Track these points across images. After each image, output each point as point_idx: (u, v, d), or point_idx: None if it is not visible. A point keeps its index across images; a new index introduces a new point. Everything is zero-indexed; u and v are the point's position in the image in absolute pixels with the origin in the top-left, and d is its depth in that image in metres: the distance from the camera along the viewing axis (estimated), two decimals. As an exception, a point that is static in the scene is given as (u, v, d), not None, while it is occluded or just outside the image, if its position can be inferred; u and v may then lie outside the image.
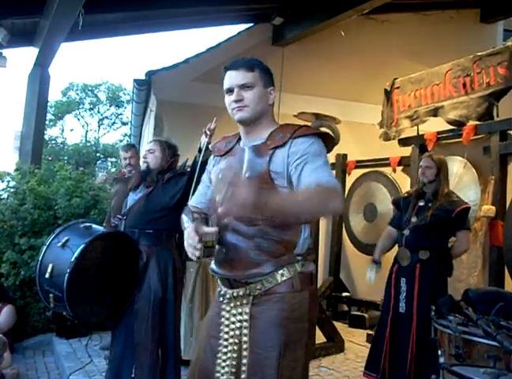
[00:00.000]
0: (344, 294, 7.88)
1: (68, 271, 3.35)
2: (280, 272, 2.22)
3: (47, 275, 3.45)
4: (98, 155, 30.37)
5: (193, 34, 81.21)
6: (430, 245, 4.50)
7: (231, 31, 11.58)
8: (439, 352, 2.91)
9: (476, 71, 5.91)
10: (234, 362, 2.25)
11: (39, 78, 7.88)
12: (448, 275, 4.55)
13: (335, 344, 5.98)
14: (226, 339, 2.29)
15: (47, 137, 27.69)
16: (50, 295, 3.45)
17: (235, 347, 2.25)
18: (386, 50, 8.85)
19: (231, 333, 2.28)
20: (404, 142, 6.91)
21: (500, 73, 5.61)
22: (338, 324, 6.61)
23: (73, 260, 3.37)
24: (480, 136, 5.87)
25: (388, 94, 7.18)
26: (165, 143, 4.12)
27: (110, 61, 54.02)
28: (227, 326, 2.30)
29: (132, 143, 6.83)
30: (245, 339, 2.23)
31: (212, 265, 2.39)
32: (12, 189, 6.74)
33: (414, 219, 4.60)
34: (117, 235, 3.85)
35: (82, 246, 3.41)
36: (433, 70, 6.55)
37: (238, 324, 2.26)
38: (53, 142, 30.60)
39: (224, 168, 2.41)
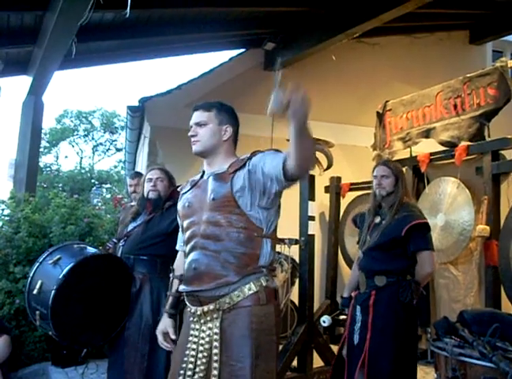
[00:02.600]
0: (342, 317, 7.83)
1: (54, 287, 3.33)
2: (248, 286, 2.41)
3: (35, 292, 3.45)
4: (93, 181, 30.33)
5: (186, 60, 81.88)
6: (384, 269, 3.86)
7: (223, 56, 11.69)
8: (435, 375, 2.91)
9: (466, 92, 5.97)
10: (203, 376, 2.38)
11: (33, 106, 7.90)
12: (411, 305, 3.82)
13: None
14: (194, 356, 2.43)
15: (41, 165, 27.70)
16: (37, 312, 3.44)
17: (204, 361, 2.39)
18: (377, 72, 8.93)
19: (201, 348, 2.42)
20: (397, 164, 6.94)
21: (490, 94, 5.67)
22: (336, 348, 6.56)
23: (61, 277, 3.35)
24: (472, 157, 5.91)
25: (380, 116, 7.24)
26: (168, 172, 4.16)
27: (104, 88, 54.24)
28: (196, 343, 2.44)
29: (139, 171, 6.88)
30: (215, 351, 2.37)
31: (181, 286, 2.62)
32: (6, 218, 6.71)
33: (369, 239, 4.01)
34: (110, 258, 3.81)
35: (72, 264, 3.40)
36: (424, 92, 6.62)
37: (207, 339, 2.41)
38: (47, 169, 30.55)
39: (189, 197, 2.70)
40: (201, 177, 2.79)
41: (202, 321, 2.46)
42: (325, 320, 5.01)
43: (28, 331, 6.17)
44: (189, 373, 2.43)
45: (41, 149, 23.04)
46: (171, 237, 3.62)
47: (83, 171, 30.89)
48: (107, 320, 3.69)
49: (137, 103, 8.51)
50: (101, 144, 32.54)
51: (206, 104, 2.76)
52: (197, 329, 2.48)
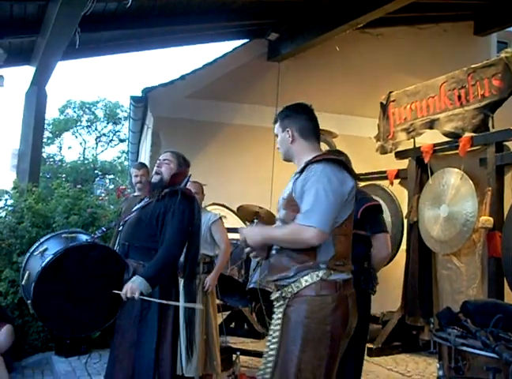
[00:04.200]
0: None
1: (34, 280, 3.31)
2: (305, 278, 2.61)
3: (23, 282, 3.43)
4: (96, 172, 30.40)
5: (189, 50, 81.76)
6: None
7: (226, 47, 11.66)
8: (438, 365, 2.91)
9: (470, 83, 5.94)
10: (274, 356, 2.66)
11: (36, 97, 7.89)
12: (371, 293, 3.89)
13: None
14: (271, 335, 2.71)
15: (44, 155, 27.74)
16: (28, 302, 3.43)
17: (275, 341, 2.67)
18: (381, 63, 8.90)
19: (274, 328, 2.70)
20: (400, 155, 6.93)
21: (495, 85, 5.64)
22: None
23: (39, 269, 3.32)
24: (476, 148, 5.89)
25: (384, 107, 7.22)
26: (182, 157, 3.93)
27: (107, 79, 54.24)
28: (273, 324, 2.71)
29: (144, 162, 6.88)
30: (277, 333, 2.65)
31: None
32: (10, 208, 6.73)
33: None
34: (96, 247, 3.63)
35: (50, 257, 3.36)
36: (428, 83, 6.59)
37: (278, 321, 2.67)
38: (51, 160, 30.62)
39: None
40: None
41: (277, 305, 2.72)
42: None
43: (31, 320, 6.19)
44: (269, 353, 2.70)
45: (44, 140, 23.07)
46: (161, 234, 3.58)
47: (86, 162, 30.97)
48: (99, 309, 3.63)
49: (140, 94, 8.52)
50: (104, 134, 32.60)
51: (276, 116, 2.96)
52: (274, 312, 2.74)
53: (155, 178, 3.85)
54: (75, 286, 3.50)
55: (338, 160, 2.71)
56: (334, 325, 2.59)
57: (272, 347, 2.66)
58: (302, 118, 2.87)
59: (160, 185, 3.79)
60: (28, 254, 3.60)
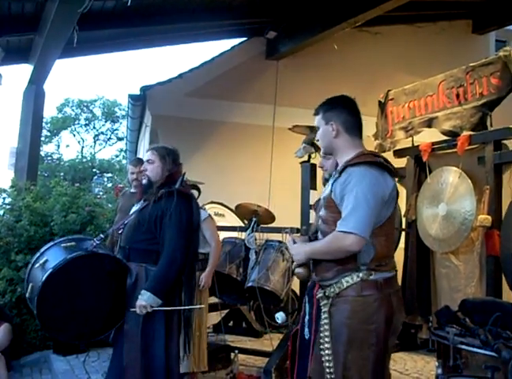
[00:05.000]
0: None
1: (36, 294, 3.32)
2: (346, 279, 2.64)
3: (27, 295, 3.45)
4: (94, 170, 30.34)
5: (188, 49, 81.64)
6: None
7: (224, 45, 11.63)
8: (436, 363, 2.91)
9: (469, 82, 5.94)
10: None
11: (34, 95, 7.88)
12: None
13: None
14: (322, 334, 2.70)
15: (42, 154, 27.71)
16: (35, 312, 3.45)
17: (323, 340, 2.69)
18: (379, 62, 8.89)
19: (321, 328, 2.71)
20: (399, 153, 6.93)
21: (493, 83, 5.64)
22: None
23: (40, 284, 3.32)
24: (474, 147, 5.89)
25: (382, 105, 7.21)
26: (163, 149, 3.83)
27: (105, 77, 54.00)
28: (321, 324, 2.72)
29: (141, 157, 6.78)
30: (326, 333, 2.66)
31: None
32: (8, 206, 6.73)
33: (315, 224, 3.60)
34: (96, 256, 3.60)
35: (49, 271, 3.35)
36: (426, 81, 6.59)
37: (325, 321, 2.69)
38: (49, 158, 30.58)
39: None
40: None
41: (322, 304, 2.74)
42: (279, 317, 4.73)
43: (29, 319, 6.19)
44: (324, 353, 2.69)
45: (42, 138, 23.00)
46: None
47: (84, 160, 30.90)
48: (104, 315, 3.62)
49: (138, 92, 8.50)
50: (102, 133, 32.52)
51: (317, 108, 2.92)
52: (320, 310, 2.77)
53: (144, 181, 3.83)
54: (78, 295, 3.52)
55: (377, 162, 2.69)
56: (378, 325, 2.60)
57: (326, 345, 2.65)
58: (346, 112, 2.84)
59: (151, 187, 3.76)
60: (29, 266, 3.60)
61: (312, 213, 5.06)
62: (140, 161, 5.63)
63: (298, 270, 2.84)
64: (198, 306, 3.97)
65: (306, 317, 3.54)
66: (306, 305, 3.57)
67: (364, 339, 2.58)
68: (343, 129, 2.79)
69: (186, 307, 3.67)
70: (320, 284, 2.79)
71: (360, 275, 2.62)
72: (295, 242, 2.91)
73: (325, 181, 3.76)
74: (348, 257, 2.61)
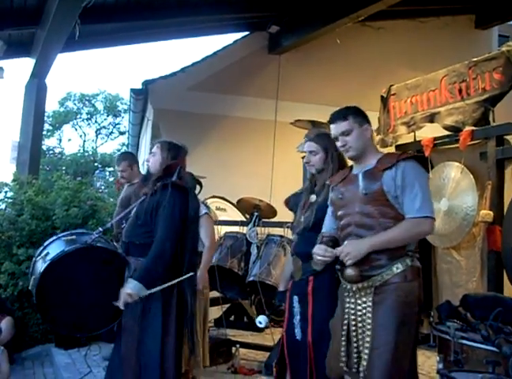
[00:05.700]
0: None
1: (34, 286, 3.34)
2: (396, 265, 2.77)
3: (30, 287, 3.46)
4: (96, 164, 30.35)
5: (190, 43, 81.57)
6: None
7: (227, 39, 11.60)
8: (438, 358, 2.91)
9: (471, 77, 5.93)
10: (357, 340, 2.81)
11: (36, 89, 7.88)
12: None
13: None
14: (351, 324, 2.84)
15: (44, 148, 27.69)
16: (35, 302, 3.47)
17: (359, 327, 2.81)
18: (382, 56, 8.87)
19: (358, 319, 2.81)
20: (401, 148, 6.89)
21: (496, 79, 5.63)
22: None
23: (37, 276, 3.34)
24: (476, 142, 5.88)
25: (384, 100, 7.20)
26: (167, 144, 3.79)
27: (107, 71, 53.99)
28: (353, 314, 2.84)
29: (126, 152, 6.65)
30: (369, 321, 2.75)
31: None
32: (9, 200, 6.73)
33: (302, 220, 3.59)
34: (93, 249, 3.56)
35: (46, 264, 3.37)
36: (429, 76, 6.57)
37: (363, 311, 2.79)
38: (50, 152, 30.60)
39: (343, 191, 3.04)
40: (350, 171, 3.12)
41: (357, 296, 2.83)
42: (261, 321, 4.42)
43: (31, 312, 6.21)
44: (344, 338, 2.86)
45: (44, 132, 23.04)
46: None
47: (86, 154, 30.90)
48: (105, 307, 3.62)
49: (140, 86, 8.50)
50: (104, 127, 32.50)
51: (341, 114, 3.04)
52: (352, 302, 2.85)
53: (144, 171, 3.86)
54: (78, 287, 3.51)
55: (417, 157, 3.01)
56: (419, 308, 2.83)
57: (368, 333, 2.75)
58: (366, 119, 3.07)
59: (148, 179, 3.76)
60: (33, 259, 3.61)
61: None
62: (121, 158, 5.44)
63: (350, 271, 2.80)
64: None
65: (296, 316, 3.50)
66: (296, 304, 3.50)
67: (411, 321, 2.77)
68: (371, 135, 3.07)
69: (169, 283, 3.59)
70: (362, 275, 2.80)
71: (408, 261, 2.80)
72: (330, 246, 2.92)
73: (312, 176, 3.72)
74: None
